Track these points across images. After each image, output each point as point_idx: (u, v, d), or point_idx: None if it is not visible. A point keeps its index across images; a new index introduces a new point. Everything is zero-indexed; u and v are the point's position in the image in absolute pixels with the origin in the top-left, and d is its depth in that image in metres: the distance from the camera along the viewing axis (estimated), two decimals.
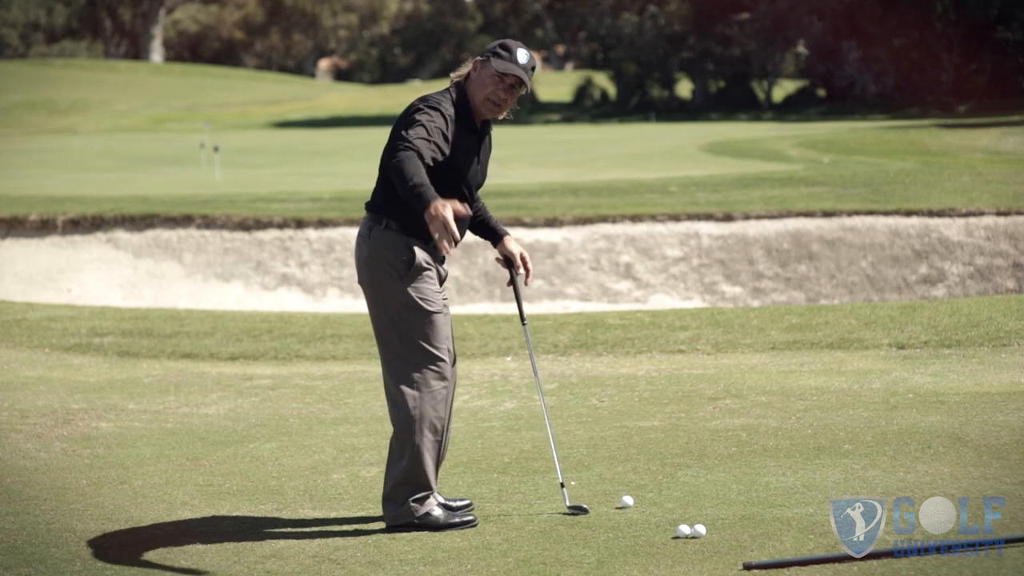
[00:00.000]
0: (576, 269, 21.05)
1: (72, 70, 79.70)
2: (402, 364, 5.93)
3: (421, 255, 5.93)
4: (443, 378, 5.95)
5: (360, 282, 6.05)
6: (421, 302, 5.91)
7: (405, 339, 5.92)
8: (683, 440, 7.58)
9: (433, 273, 5.98)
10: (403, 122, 5.84)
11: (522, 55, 5.96)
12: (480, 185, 6.15)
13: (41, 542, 5.86)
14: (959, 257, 20.58)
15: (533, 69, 6.00)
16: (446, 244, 5.52)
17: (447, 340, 5.98)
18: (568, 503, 6.16)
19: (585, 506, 6.13)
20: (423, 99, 5.94)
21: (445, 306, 6.12)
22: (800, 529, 5.68)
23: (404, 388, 5.91)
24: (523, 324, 6.43)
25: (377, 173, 6.07)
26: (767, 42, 64.46)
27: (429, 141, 5.73)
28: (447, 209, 5.47)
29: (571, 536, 5.75)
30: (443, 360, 5.94)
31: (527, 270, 6.24)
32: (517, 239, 20.43)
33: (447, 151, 5.83)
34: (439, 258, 6.04)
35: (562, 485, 6.23)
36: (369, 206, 6.04)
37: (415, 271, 5.92)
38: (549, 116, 64.85)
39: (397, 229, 5.91)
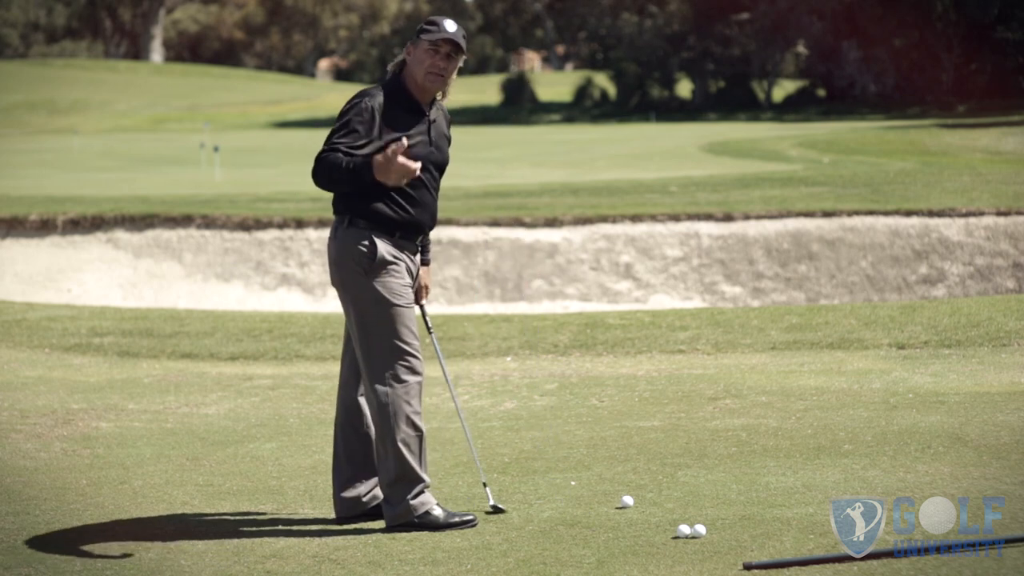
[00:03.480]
0: (576, 269, 21.05)
1: (72, 70, 79.67)
2: (374, 361, 5.95)
3: (385, 248, 5.94)
4: (415, 372, 5.96)
5: (332, 282, 6.08)
6: (388, 296, 5.94)
7: (375, 335, 5.94)
8: (683, 440, 7.58)
9: (400, 267, 5.98)
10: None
11: (449, 24, 5.99)
12: (441, 165, 6.14)
13: (41, 542, 5.87)
14: (959, 257, 20.58)
15: (465, 37, 6.02)
16: (413, 172, 5.74)
17: (416, 334, 6.00)
18: (491, 502, 6.21)
19: (502, 507, 6.19)
20: (352, 98, 5.99)
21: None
22: (800, 529, 5.68)
23: (378, 385, 5.93)
24: (430, 333, 6.45)
25: None
26: (767, 42, 64.45)
27: (335, 147, 5.81)
28: (389, 153, 5.69)
29: (571, 536, 5.75)
30: (413, 354, 5.96)
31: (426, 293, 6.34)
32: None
33: (370, 135, 5.86)
34: (411, 249, 6.05)
35: (484, 485, 6.31)
36: (333, 208, 6.07)
37: (380, 265, 5.94)
38: (549, 116, 64.85)
39: (359, 225, 5.94)
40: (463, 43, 5.98)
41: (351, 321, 6.01)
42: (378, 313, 5.93)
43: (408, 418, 5.94)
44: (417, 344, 5.99)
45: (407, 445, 5.94)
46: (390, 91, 5.97)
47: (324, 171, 5.81)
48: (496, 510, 6.16)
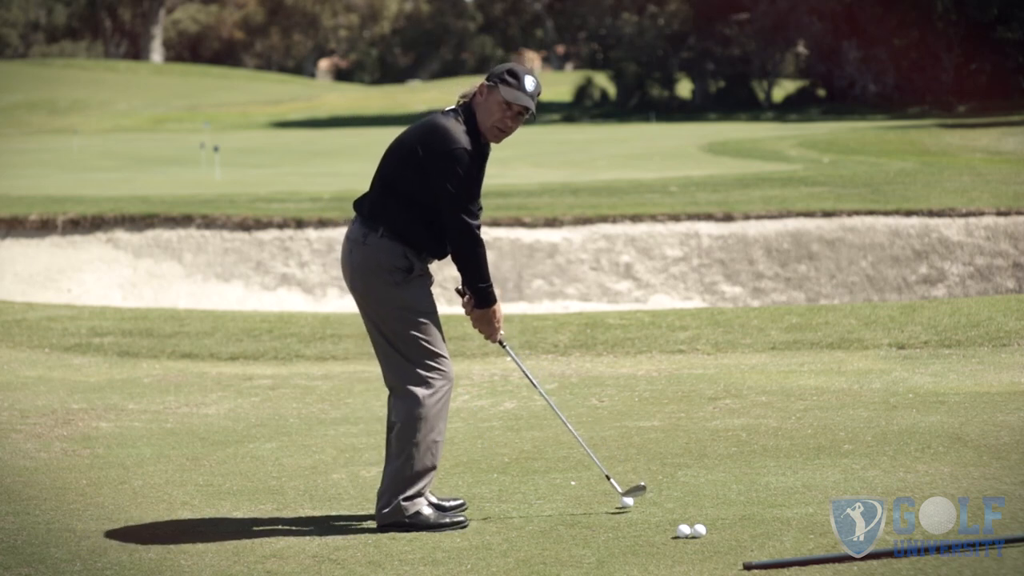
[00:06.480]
0: (576, 269, 21.06)
1: (72, 70, 79.63)
2: (407, 366, 5.99)
3: (416, 262, 6.01)
4: (447, 379, 6.03)
5: (352, 287, 6.07)
6: (421, 306, 6.01)
7: (407, 343, 5.98)
8: (683, 440, 7.58)
9: (427, 279, 6.08)
10: (442, 169, 5.89)
11: (529, 82, 6.01)
12: None
13: (41, 542, 5.87)
14: (959, 257, 20.58)
15: (538, 94, 6.06)
16: (491, 340, 6.16)
17: (444, 341, 6.08)
18: (620, 491, 6.25)
19: (642, 483, 6.25)
20: (454, 146, 5.92)
21: None
22: (800, 529, 5.68)
23: (412, 388, 5.96)
24: None
25: (374, 177, 6.08)
26: (767, 42, 64.42)
27: (478, 214, 5.98)
28: (500, 313, 6.11)
29: (571, 536, 5.75)
30: (445, 358, 6.04)
31: None
32: (519, 239, 20.47)
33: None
34: (428, 262, 6.13)
35: (608, 477, 6.34)
36: (363, 212, 6.05)
37: (413, 277, 6.01)
38: (549, 116, 64.84)
39: (393, 237, 5.96)
40: (535, 105, 6.03)
41: (380, 329, 6.03)
42: (411, 321, 5.98)
43: (434, 424, 5.99)
44: (446, 350, 6.06)
45: (430, 450, 5.97)
46: (469, 135, 5.97)
47: (480, 255, 5.97)
48: (637, 490, 6.22)
